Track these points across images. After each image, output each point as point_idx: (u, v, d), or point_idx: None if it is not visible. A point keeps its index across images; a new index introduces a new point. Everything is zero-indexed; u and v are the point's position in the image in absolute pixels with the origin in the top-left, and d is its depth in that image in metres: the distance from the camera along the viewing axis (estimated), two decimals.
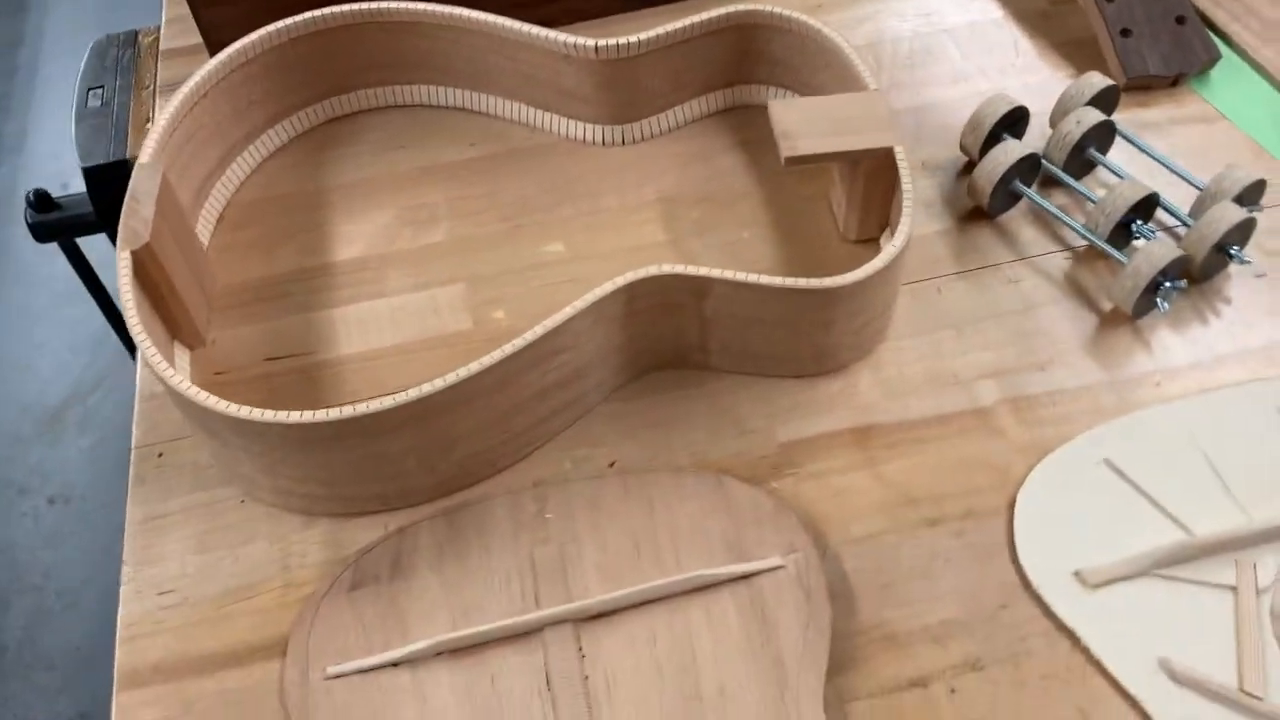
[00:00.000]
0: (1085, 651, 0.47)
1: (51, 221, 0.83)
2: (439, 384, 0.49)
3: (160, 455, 0.57)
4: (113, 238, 0.77)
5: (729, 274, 0.53)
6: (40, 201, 0.81)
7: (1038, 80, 0.72)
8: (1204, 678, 0.46)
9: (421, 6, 0.67)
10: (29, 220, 0.83)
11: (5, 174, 1.90)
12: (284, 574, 0.52)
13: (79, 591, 1.35)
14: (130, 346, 0.91)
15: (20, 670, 1.28)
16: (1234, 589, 0.49)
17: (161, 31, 0.81)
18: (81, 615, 1.33)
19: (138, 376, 0.61)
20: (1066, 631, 0.48)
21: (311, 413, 0.49)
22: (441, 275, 0.64)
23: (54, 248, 0.88)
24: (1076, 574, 0.49)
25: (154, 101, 0.77)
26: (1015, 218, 0.64)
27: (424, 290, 0.63)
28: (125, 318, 0.54)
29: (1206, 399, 0.55)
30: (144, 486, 0.56)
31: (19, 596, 1.33)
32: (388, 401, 0.49)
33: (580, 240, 0.65)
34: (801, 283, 0.53)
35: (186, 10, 0.74)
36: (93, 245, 0.88)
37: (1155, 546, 0.49)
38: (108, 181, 0.74)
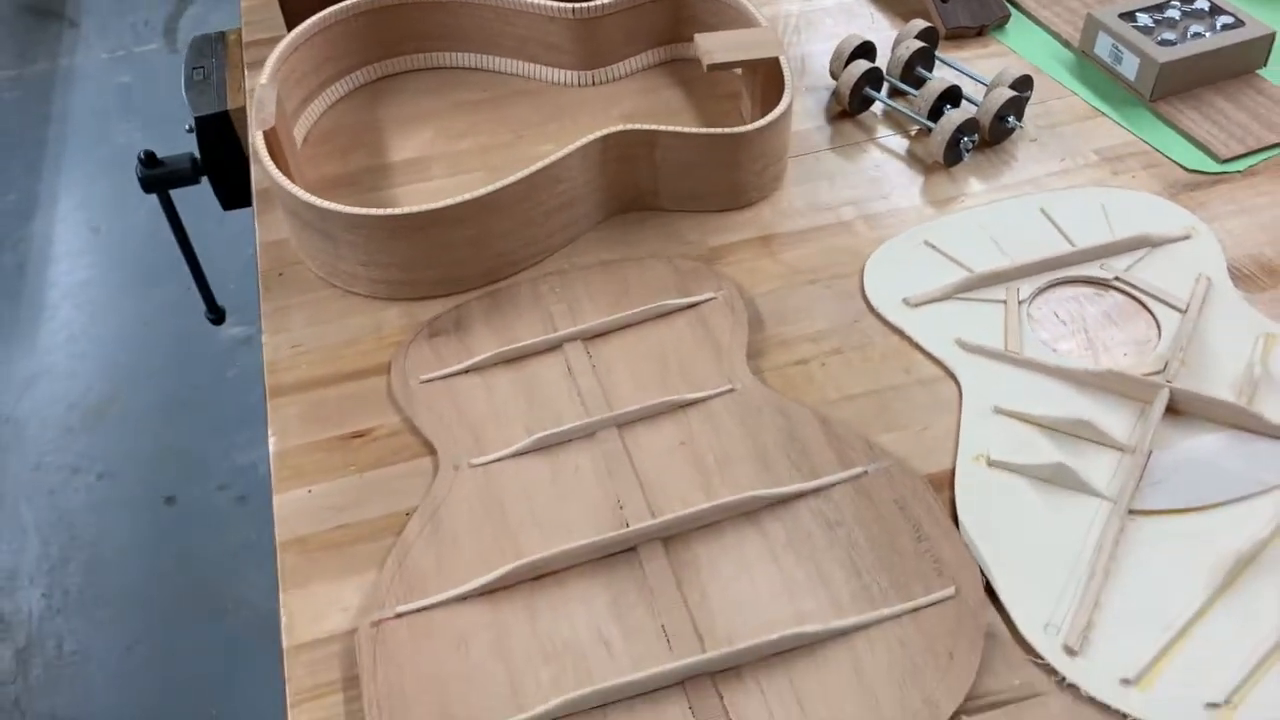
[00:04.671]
0: (909, 340, 0.73)
1: (156, 175, 1.08)
2: (485, 190, 0.75)
3: (280, 275, 0.82)
4: (214, 182, 1.03)
5: (669, 127, 0.80)
6: (148, 159, 1.07)
7: (887, 36, 1.01)
8: (982, 344, 0.72)
9: None
10: (139, 174, 1.08)
11: (40, 228, 2.15)
12: (377, 333, 0.77)
13: (125, 547, 1.56)
14: (206, 294, 1.16)
15: (82, 609, 1.47)
16: (1004, 302, 0.75)
17: (242, 30, 1.08)
18: (127, 563, 1.53)
19: (256, 234, 0.86)
20: (897, 331, 0.74)
21: (403, 208, 0.74)
22: (468, 168, 0.90)
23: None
24: (904, 300, 0.76)
25: (244, 74, 1.04)
26: (870, 115, 0.92)
27: (455, 177, 0.89)
28: (265, 168, 0.79)
29: (992, 206, 0.82)
30: (271, 291, 0.81)
31: (77, 551, 1.54)
32: (453, 200, 0.74)
33: (566, 142, 0.91)
34: (717, 131, 0.80)
35: (261, 15, 1.01)
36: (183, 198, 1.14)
37: (953, 280, 0.76)
38: (211, 129, 1.00)
